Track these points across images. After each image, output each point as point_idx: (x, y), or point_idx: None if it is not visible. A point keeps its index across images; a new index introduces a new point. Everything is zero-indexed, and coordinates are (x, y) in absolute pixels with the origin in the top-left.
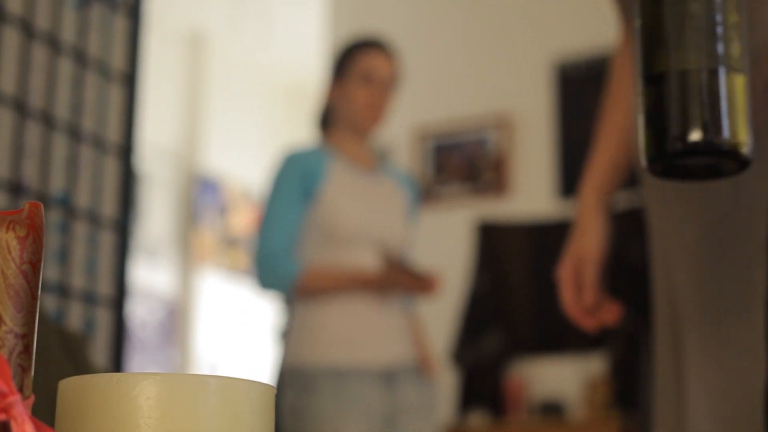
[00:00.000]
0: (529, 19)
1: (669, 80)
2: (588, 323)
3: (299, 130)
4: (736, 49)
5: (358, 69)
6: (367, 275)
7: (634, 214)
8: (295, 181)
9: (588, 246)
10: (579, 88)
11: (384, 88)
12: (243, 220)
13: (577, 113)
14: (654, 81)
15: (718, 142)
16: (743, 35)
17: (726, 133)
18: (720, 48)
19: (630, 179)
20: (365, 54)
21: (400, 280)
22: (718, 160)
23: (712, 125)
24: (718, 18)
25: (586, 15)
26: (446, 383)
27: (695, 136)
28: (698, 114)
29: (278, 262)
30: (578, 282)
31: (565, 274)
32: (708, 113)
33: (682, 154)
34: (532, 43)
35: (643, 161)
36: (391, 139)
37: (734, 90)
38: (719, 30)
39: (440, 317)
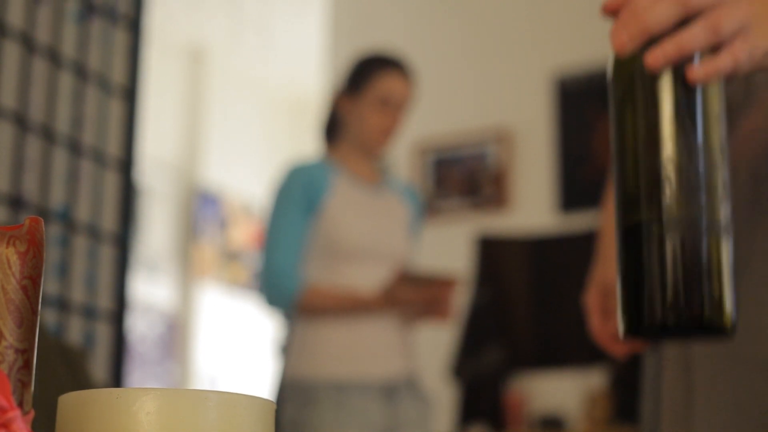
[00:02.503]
0: (529, 33)
1: (645, 244)
2: (616, 350)
3: (299, 143)
4: (718, 209)
5: (375, 91)
6: (371, 298)
7: None
8: (299, 193)
9: (612, 272)
10: (579, 102)
11: (399, 111)
12: (243, 234)
13: (577, 127)
14: (630, 244)
15: (703, 320)
16: (726, 195)
17: (708, 308)
18: (701, 209)
19: None
20: (385, 76)
21: (408, 297)
22: (701, 330)
23: (694, 300)
24: (700, 176)
25: (585, 29)
26: (446, 397)
27: (674, 316)
28: (676, 286)
29: (282, 279)
30: (605, 309)
31: (591, 301)
32: (690, 285)
33: (660, 335)
34: (532, 57)
35: (620, 329)
36: (391, 152)
37: (715, 254)
38: (701, 192)
39: (440, 331)
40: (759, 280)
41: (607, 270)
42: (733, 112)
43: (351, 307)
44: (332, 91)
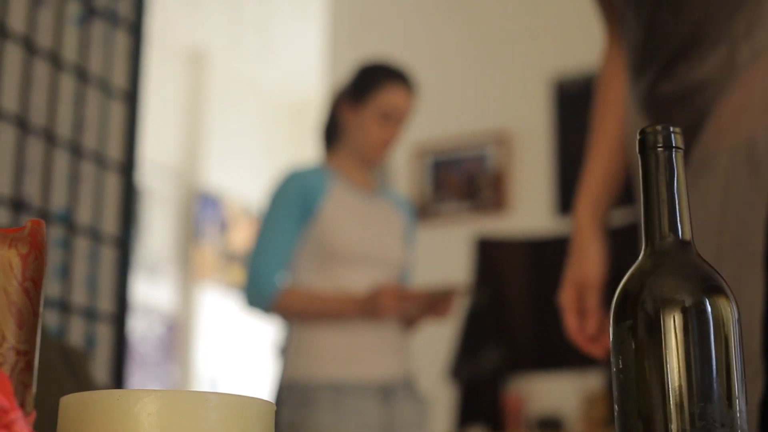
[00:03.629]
0: (528, 37)
1: None
2: (593, 350)
3: (299, 146)
4: None
5: (379, 103)
6: (348, 302)
7: (627, 230)
8: (294, 198)
9: (589, 271)
10: (577, 105)
11: (400, 123)
12: (243, 236)
13: (575, 130)
14: None
15: None
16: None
17: None
18: None
19: (625, 196)
20: (389, 89)
21: (391, 305)
22: None
23: None
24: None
25: (584, 32)
26: (445, 399)
27: None
28: None
29: (261, 282)
30: (581, 308)
31: (567, 300)
32: None
33: None
34: (530, 60)
35: None
36: (390, 155)
37: None
38: None
39: (439, 333)
40: (734, 270)
41: (583, 268)
42: (713, 99)
43: (325, 309)
44: (334, 96)
